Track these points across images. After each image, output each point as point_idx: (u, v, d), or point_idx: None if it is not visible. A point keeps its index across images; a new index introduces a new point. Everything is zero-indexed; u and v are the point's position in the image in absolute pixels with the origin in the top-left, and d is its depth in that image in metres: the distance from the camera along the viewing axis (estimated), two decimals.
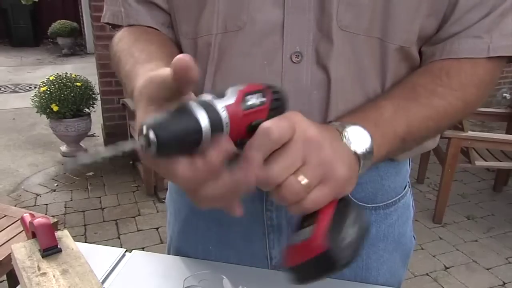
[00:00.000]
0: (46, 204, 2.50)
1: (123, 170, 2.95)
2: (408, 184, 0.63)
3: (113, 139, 3.14)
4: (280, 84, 0.49)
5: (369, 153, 0.42)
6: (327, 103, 0.49)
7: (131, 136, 2.81)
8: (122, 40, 0.56)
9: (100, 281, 0.57)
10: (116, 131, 3.11)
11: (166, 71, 0.34)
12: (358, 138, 0.42)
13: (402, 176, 0.61)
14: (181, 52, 0.56)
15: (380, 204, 0.58)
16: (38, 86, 3.00)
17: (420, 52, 0.53)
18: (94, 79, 3.16)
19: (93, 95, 3.05)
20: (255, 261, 0.62)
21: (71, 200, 2.56)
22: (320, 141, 0.37)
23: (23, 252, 0.59)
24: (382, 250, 0.61)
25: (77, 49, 7.76)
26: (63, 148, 3.20)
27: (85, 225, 2.31)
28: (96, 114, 3.20)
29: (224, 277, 0.55)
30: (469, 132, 2.24)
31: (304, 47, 0.48)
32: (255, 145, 0.35)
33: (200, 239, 0.65)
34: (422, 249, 2.22)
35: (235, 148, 0.35)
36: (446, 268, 2.09)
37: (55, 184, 2.76)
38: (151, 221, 2.36)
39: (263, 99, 0.38)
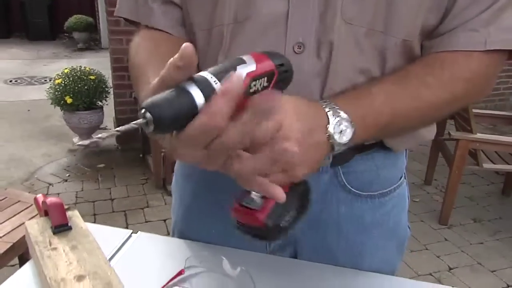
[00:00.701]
0: (58, 193, 2.56)
1: (133, 162, 3.00)
2: (403, 175, 0.66)
3: (124, 133, 3.20)
4: None
5: (344, 145, 0.45)
6: (324, 81, 0.51)
7: (142, 130, 2.85)
8: (138, 54, 0.58)
9: (107, 258, 0.60)
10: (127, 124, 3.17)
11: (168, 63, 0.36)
12: (341, 132, 0.45)
13: (398, 167, 0.63)
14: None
15: (375, 193, 0.61)
16: (53, 79, 3.07)
17: (421, 46, 0.54)
18: (107, 73, 3.22)
19: (106, 89, 3.11)
20: (255, 245, 0.65)
21: (82, 190, 2.63)
22: (290, 138, 0.39)
23: (36, 228, 0.63)
24: (376, 237, 0.63)
25: (92, 44, 7.87)
26: (76, 139, 3.27)
27: (94, 215, 2.37)
28: (109, 108, 3.26)
29: (223, 258, 0.58)
30: (478, 134, 2.23)
31: (307, 38, 0.51)
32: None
33: (203, 224, 0.68)
34: (427, 249, 2.22)
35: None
36: (450, 269, 2.09)
37: (67, 175, 2.83)
38: (159, 213, 2.41)
39: (266, 83, 0.41)
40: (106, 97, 3.13)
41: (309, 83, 0.51)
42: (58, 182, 2.72)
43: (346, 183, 0.59)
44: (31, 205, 1.54)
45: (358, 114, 0.46)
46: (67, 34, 8.19)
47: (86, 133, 3.21)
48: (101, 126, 3.33)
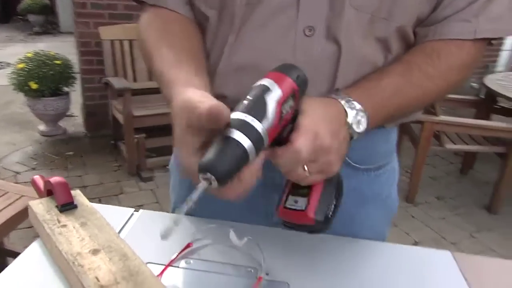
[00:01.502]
0: (26, 182, 2.47)
1: (104, 149, 2.94)
2: (395, 150, 0.71)
3: (93, 119, 3.12)
4: (293, 55, 0.54)
5: (361, 134, 0.51)
6: (335, 74, 0.55)
7: (113, 116, 2.80)
8: (148, 31, 0.60)
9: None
10: (96, 110, 3.09)
11: (203, 107, 0.40)
12: (358, 122, 0.50)
13: (391, 142, 0.68)
14: (202, 34, 0.61)
15: (371, 166, 0.66)
16: (15, 63, 2.93)
17: (414, 33, 0.59)
18: (71, 59, 3.10)
19: (73, 74, 3.00)
20: (258, 218, 0.68)
21: None
22: (331, 148, 0.46)
23: (41, 207, 0.63)
24: (372, 208, 0.68)
25: (49, 27, 7.50)
26: (41, 127, 3.15)
27: None
28: (76, 94, 3.16)
29: (230, 229, 0.61)
30: (441, 116, 2.37)
31: (317, 22, 0.54)
32: (285, 158, 0.44)
33: (206, 201, 0.70)
34: (396, 226, 2.35)
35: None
36: (416, 243, 2.23)
37: (34, 163, 2.73)
38: (134, 199, 2.39)
39: (292, 103, 0.45)
40: (73, 82, 3.03)
41: (320, 67, 0.55)
42: (26, 171, 2.62)
43: (346, 158, 0.63)
44: (7, 192, 1.49)
45: (370, 105, 0.51)
46: (21, 17, 7.75)
47: (52, 120, 3.10)
48: (68, 113, 3.23)
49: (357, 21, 0.54)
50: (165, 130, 2.58)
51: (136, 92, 2.74)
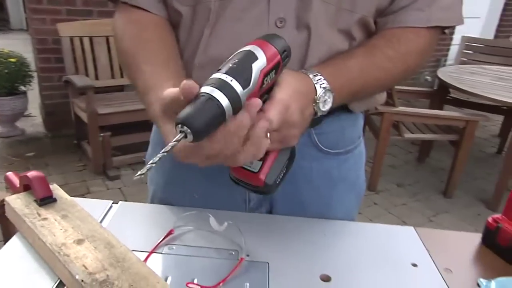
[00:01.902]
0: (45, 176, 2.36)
1: (67, 149, 2.85)
2: (361, 135, 0.76)
3: (53, 118, 3.01)
4: None
5: (324, 112, 0.55)
6: (304, 60, 0.59)
7: (75, 115, 2.72)
8: (123, 40, 0.62)
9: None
10: (56, 110, 2.99)
11: (173, 92, 0.43)
12: (325, 101, 0.54)
13: (358, 127, 0.73)
14: (175, 32, 0.64)
15: (341, 150, 0.70)
16: None
17: (375, 22, 0.64)
18: (26, 57, 2.98)
19: (30, 72, 2.88)
20: (235, 205, 0.71)
21: None
22: (296, 124, 0.50)
23: (19, 202, 0.63)
24: (341, 190, 0.73)
25: None
26: None
27: None
28: (33, 93, 3.04)
29: (210, 215, 0.64)
30: (399, 107, 2.49)
31: (288, 14, 0.57)
32: (259, 127, 0.45)
33: (185, 189, 0.73)
34: (360, 213, 2.44)
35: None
36: None
37: None
38: (102, 198, 2.33)
39: (274, 76, 0.47)
40: (30, 81, 2.91)
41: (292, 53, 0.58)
42: None
43: (318, 142, 0.67)
44: None
45: (338, 85, 0.55)
46: None
47: (8, 121, 2.96)
48: (26, 113, 3.10)
49: (324, 12, 0.58)
50: (130, 128, 2.55)
51: (99, 90, 2.68)
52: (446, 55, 5.21)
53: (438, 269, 0.62)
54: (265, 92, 0.49)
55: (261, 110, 0.46)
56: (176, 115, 0.41)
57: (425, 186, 2.85)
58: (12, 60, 2.77)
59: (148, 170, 0.42)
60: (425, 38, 0.62)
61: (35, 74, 2.96)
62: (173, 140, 0.41)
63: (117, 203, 0.73)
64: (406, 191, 2.78)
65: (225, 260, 0.60)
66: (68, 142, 2.93)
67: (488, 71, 3.15)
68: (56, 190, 0.68)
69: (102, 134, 2.48)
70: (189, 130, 0.39)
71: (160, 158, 0.42)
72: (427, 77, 5.12)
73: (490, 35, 5.51)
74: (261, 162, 0.53)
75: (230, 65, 0.43)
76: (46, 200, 0.63)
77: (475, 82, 2.72)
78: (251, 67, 0.44)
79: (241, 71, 0.43)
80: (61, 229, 0.58)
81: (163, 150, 0.42)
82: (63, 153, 2.81)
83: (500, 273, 0.60)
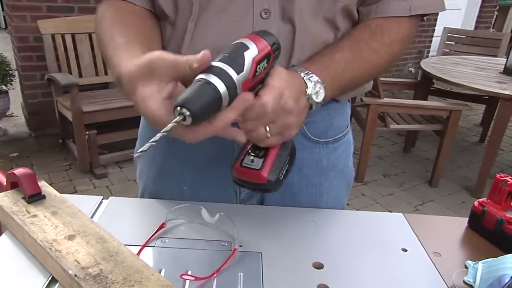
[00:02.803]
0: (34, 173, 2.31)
1: (52, 149, 2.81)
2: (349, 124, 0.77)
3: (36, 118, 2.96)
4: None
5: (319, 103, 0.56)
6: (291, 51, 0.59)
7: (60, 114, 2.67)
8: (103, 20, 0.61)
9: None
10: (40, 109, 2.93)
11: (177, 57, 0.43)
12: (317, 93, 0.55)
13: (345, 116, 0.74)
14: (155, 19, 0.62)
15: (329, 139, 0.71)
16: None
17: (358, 11, 0.65)
18: (7, 55, 2.91)
19: (10, 71, 2.82)
20: (226, 197, 0.71)
21: None
22: (292, 111, 0.51)
23: (7, 200, 0.62)
24: (331, 178, 0.74)
25: None
26: None
27: None
28: (15, 92, 2.97)
29: (202, 208, 0.64)
30: (385, 99, 2.52)
31: (272, 5, 0.58)
32: (252, 111, 0.47)
33: (176, 182, 0.73)
34: (348, 204, 2.47)
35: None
36: None
37: None
38: None
39: (266, 65, 0.49)
40: (11, 80, 2.85)
41: None
42: None
43: (307, 132, 0.68)
44: None
45: (327, 78, 0.56)
46: None
47: None
48: (8, 113, 3.04)
49: (307, 2, 0.58)
50: (116, 125, 2.52)
51: (83, 88, 2.64)
52: (429, 47, 5.29)
53: (427, 253, 0.63)
54: (259, 82, 0.50)
55: (256, 95, 0.47)
56: (160, 79, 0.43)
57: (411, 176, 2.90)
58: None
59: (149, 148, 0.42)
60: (407, 26, 0.64)
61: (16, 73, 2.89)
62: (173, 121, 0.41)
63: (107, 199, 0.72)
64: (393, 181, 2.82)
65: (218, 252, 0.60)
66: (52, 141, 2.88)
67: (469, 61, 3.20)
68: (45, 187, 0.67)
69: (87, 132, 2.45)
70: (188, 113, 0.40)
71: (160, 137, 0.42)
72: (411, 69, 5.18)
73: (470, 26, 5.61)
74: (263, 159, 0.53)
75: (224, 55, 0.45)
76: (35, 197, 0.63)
77: (457, 73, 2.77)
78: (243, 55, 0.46)
79: (234, 58, 0.45)
80: (51, 226, 0.57)
81: (163, 130, 0.42)
82: (48, 153, 2.76)
83: (486, 254, 0.61)
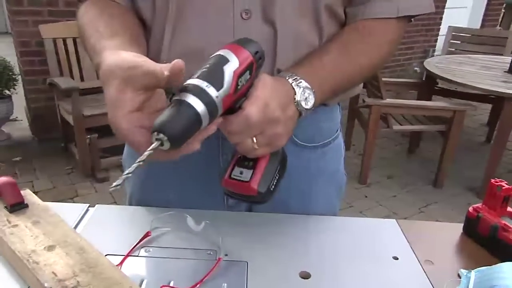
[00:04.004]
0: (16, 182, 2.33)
1: (54, 153, 2.82)
2: (339, 128, 0.75)
3: (40, 122, 2.97)
4: (233, 38, 0.56)
5: (309, 110, 0.54)
6: (274, 53, 0.58)
7: (62, 118, 2.68)
8: (86, 13, 0.60)
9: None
10: (43, 113, 2.94)
11: (154, 65, 0.41)
12: (306, 99, 0.53)
13: (335, 120, 0.72)
14: (141, 20, 0.61)
15: (318, 144, 0.69)
16: None
17: (345, 13, 0.63)
18: (10, 60, 2.93)
19: (14, 76, 2.84)
20: (213, 202, 0.70)
21: None
22: (279, 121, 0.49)
23: None
24: (320, 183, 0.72)
25: None
26: None
27: None
28: (18, 96, 2.99)
29: (187, 215, 0.63)
30: (387, 99, 2.49)
31: (252, 5, 0.56)
32: (235, 124, 0.46)
33: (161, 188, 0.71)
34: (351, 206, 2.46)
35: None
36: None
37: None
38: (90, 201, 2.28)
39: (249, 76, 0.47)
40: (14, 85, 2.86)
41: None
42: None
43: (293, 137, 0.66)
44: None
45: (316, 83, 0.54)
46: None
47: None
48: (12, 117, 3.06)
49: (289, 2, 0.57)
50: None
51: (85, 92, 2.65)
52: (434, 46, 5.23)
53: (419, 261, 0.62)
54: (243, 95, 0.48)
55: (240, 108, 0.46)
56: (135, 87, 0.41)
57: (415, 177, 2.87)
58: None
59: (124, 180, 0.41)
60: (395, 27, 0.62)
61: (19, 78, 2.91)
62: (149, 149, 0.40)
63: (93, 207, 0.72)
64: (397, 183, 2.79)
65: (203, 261, 0.59)
66: (55, 145, 2.89)
67: (475, 60, 3.16)
68: (29, 195, 0.66)
69: (89, 136, 2.45)
70: (165, 138, 0.39)
71: (136, 167, 0.41)
72: (416, 68, 5.13)
73: (477, 24, 5.54)
74: (252, 170, 0.52)
75: (202, 70, 0.43)
76: (17, 207, 0.62)
77: (462, 72, 2.73)
78: (223, 69, 0.44)
79: (213, 74, 0.43)
80: (31, 236, 0.56)
81: (138, 160, 0.41)
82: (50, 157, 2.77)
83: (481, 262, 0.59)
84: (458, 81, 2.49)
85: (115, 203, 2.29)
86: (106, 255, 0.60)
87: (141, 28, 0.61)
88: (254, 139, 0.48)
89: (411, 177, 2.87)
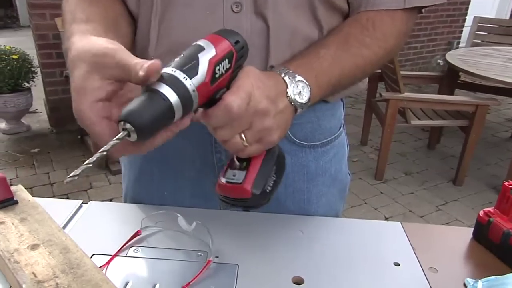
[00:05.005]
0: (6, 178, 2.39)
1: (71, 145, 2.87)
2: (342, 125, 0.71)
3: (57, 115, 3.03)
4: None
5: (305, 104, 0.50)
6: (267, 49, 0.54)
7: None
8: (67, 3, 0.57)
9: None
10: (60, 105, 2.99)
11: (129, 59, 0.38)
12: (300, 93, 0.49)
13: (337, 117, 0.68)
14: (127, 10, 0.59)
15: (318, 143, 0.66)
16: None
17: (348, 3, 0.59)
18: (32, 53, 2.99)
19: (32, 69, 2.89)
20: (208, 202, 0.68)
21: (17, 177, 2.47)
22: (267, 113, 0.45)
23: None
24: (321, 184, 0.69)
25: (8, 22, 7.18)
26: (3, 125, 3.04)
27: None
28: (37, 89, 3.05)
29: (179, 215, 0.61)
30: (405, 93, 2.41)
31: None
32: (216, 117, 0.42)
33: (155, 186, 0.70)
34: (366, 203, 2.40)
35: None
36: (386, 218, 2.29)
37: None
38: (104, 193, 2.35)
39: (228, 65, 0.43)
40: (33, 77, 2.92)
41: (252, 43, 0.54)
42: None
43: (290, 135, 0.63)
44: None
45: (311, 75, 0.50)
46: None
47: (13, 117, 2.99)
48: (31, 109, 3.12)
49: None
50: None
51: None
52: (459, 37, 5.05)
53: (422, 268, 0.58)
54: (224, 86, 0.44)
55: (221, 98, 0.42)
56: (105, 76, 0.39)
57: (434, 174, 2.77)
58: (14, 57, 2.78)
59: (82, 171, 0.38)
60: (402, 19, 0.57)
61: (38, 70, 2.96)
62: (115, 139, 0.37)
63: (87, 203, 0.70)
64: (414, 180, 2.70)
65: (193, 263, 0.57)
66: (72, 137, 2.94)
67: (501, 52, 3.02)
68: (20, 191, 0.65)
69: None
70: (133, 128, 0.36)
71: (97, 157, 0.38)
72: (439, 61, 4.97)
73: (505, 14, 5.31)
74: (245, 171, 0.49)
75: (175, 59, 0.41)
76: (6, 203, 0.61)
77: (486, 65, 2.61)
78: (197, 57, 0.41)
79: (186, 61, 0.40)
80: (16, 234, 0.55)
81: (101, 150, 0.39)
82: (67, 149, 2.82)
83: (490, 271, 0.55)
84: (480, 74, 2.38)
85: None
86: (93, 255, 0.59)
87: (126, 18, 0.58)
88: (243, 135, 0.45)
89: (430, 173, 2.78)
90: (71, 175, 0.37)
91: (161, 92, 0.37)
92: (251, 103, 0.43)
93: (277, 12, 0.53)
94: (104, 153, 0.38)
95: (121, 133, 0.37)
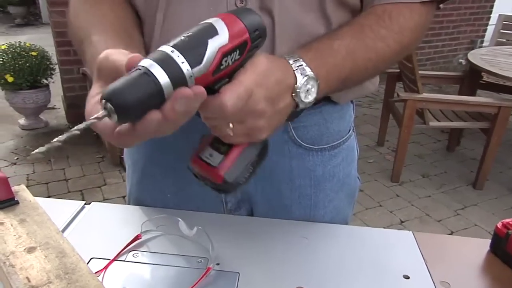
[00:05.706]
0: (7, 178, 2.43)
1: (87, 141, 2.90)
2: (352, 128, 0.68)
3: (74, 111, 3.06)
4: None
5: (309, 103, 0.47)
6: (272, 46, 0.52)
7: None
8: (77, 16, 0.56)
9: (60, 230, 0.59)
10: (77, 102, 3.03)
11: (120, 59, 0.36)
12: (307, 91, 0.46)
13: (346, 120, 0.65)
14: (134, 11, 0.57)
15: (325, 146, 0.63)
16: None
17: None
18: (52, 50, 3.03)
19: (51, 65, 2.93)
20: (212, 206, 0.66)
21: (34, 173, 2.52)
22: (263, 114, 0.43)
23: None
24: (328, 189, 0.66)
25: (31, 19, 7.33)
26: (22, 121, 3.10)
27: (49, 197, 2.28)
28: (56, 86, 3.10)
29: (180, 219, 0.59)
30: (424, 94, 2.34)
31: None
32: (208, 110, 0.39)
33: (158, 188, 0.68)
34: (381, 206, 2.35)
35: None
36: (402, 222, 2.23)
37: (15, 158, 2.69)
38: (118, 190, 2.36)
39: (238, 57, 0.39)
40: (52, 74, 2.96)
41: None
42: (6, 166, 2.58)
43: (296, 138, 0.60)
44: None
45: (323, 70, 0.47)
46: (1, 9, 7.56)
47: (32, 113, 3.04)
48: (49, 105, 3.17)
49: None
50: None
51: None
52: (483, 36, 4.90)
53: (433, 282, 0.55)
54: (225, 76, 0.40)
55: (218, 92, 0.39)
56: (105, 81, 0.37)
57: (453, 177, 2.69)
58: (34, 53, 2.83)
59: (48, 148, 0.35)
60: (420, 13, 0.54)
61: (57, 67, 3.01)
62: (92, 117, 0.33)
63: (89, 204, 0.69)
64: (432, 182, 2.63)
65: (193, 270, 0.56)
66: (88, 134, 2.95)
67: None
68: (22, 191, 0.65)
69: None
70: (113, 109, 0.32)
71: (68, 136, 0.35)
72: (461, 60, 4.83)
73: None
74: (223, 156, 0.45)
75: (181, 38, 0.36)
76: (7, 203, 0.60)
77: (510, 65, 2.51)
78: (207, 42, 0.36)
79: (193, 46, 0.35)
80: (14, 236, 0.55)
81: (75, 127, 0.34)
82: (83, 145, 2.85)
83: (508, 286, 0.52)
84: (503, 74, 2.29)
85: None
86: (92, 259, 0.58)
87: (137, 25, 0.57)
88: (231, 125, 0.42)
89: (448, 176, 2.70)
90: (35, 151, 0.35)
91: (152, 73, 0.33)
92: (249, 102, 0.41)
93: (283, 8, 0.51)
94: (77, 131, 0.34)
95: (100, 112, 0.33)
